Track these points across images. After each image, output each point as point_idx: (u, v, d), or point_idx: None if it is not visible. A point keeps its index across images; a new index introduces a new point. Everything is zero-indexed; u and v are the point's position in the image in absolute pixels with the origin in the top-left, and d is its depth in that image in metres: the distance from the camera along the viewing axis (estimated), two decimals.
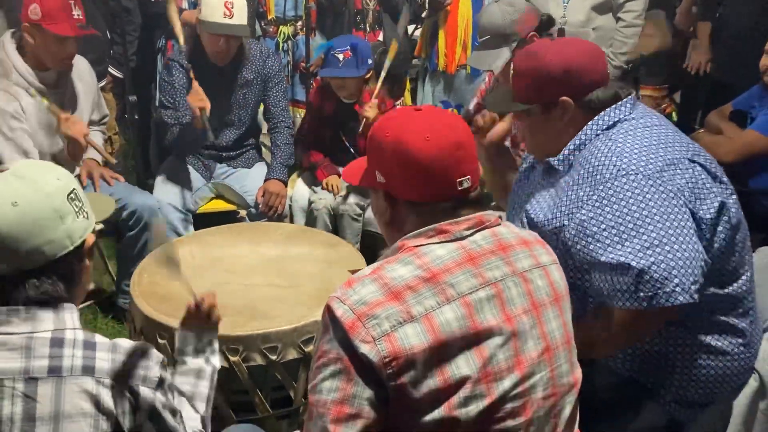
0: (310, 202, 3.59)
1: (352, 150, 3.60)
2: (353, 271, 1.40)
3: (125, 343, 1.41)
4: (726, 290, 1.82)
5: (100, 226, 1.96)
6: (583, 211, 1.74)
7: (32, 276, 1.35)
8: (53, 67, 2.99)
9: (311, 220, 3.57)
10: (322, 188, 3.58)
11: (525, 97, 1.91)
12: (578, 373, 1.48)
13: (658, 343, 1.85)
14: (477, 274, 1.35)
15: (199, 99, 3.26)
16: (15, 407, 1.31)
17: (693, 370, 1.85)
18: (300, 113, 4.22)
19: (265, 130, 3.88)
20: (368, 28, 4.17)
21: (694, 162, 1.77)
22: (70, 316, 1.39)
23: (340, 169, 3.64)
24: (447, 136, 1.37)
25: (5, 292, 1.34)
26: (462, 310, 1.31)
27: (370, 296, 1.29)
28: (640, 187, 1.69)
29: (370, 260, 2.62)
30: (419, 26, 4.63)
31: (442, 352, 1.28)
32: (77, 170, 3.22)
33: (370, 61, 3.47)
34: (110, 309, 3.50)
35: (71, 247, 1.38)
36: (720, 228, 1.75)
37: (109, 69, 4.06)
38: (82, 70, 3.22)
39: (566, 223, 1.79)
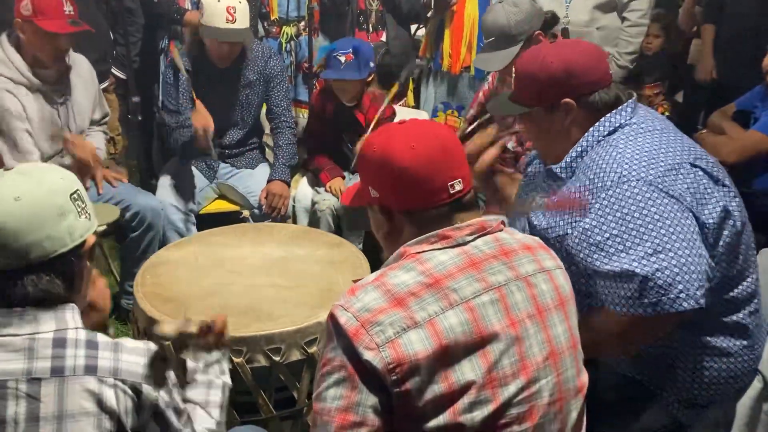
0: (314, 203, 3.59)
1: (352, 152, 3.60)
2: (356, 280, 1.40)
3: (128, 343, 1.42)
4: (731, 292, 1.82)
5: (102, 228, 1.98)
6: (587, 220, 1.74)
7: (31, 272, 1.35)
8: (48, 63, 2.99)
9: (314, 220, 3.57)
10: (326, 191, 3.59)
11: (527, 100, 1.91)
12: (584, 377, 1.48)
13: (661, 344, 1.85)
14: (480, 278, 1.35)
15: (202, 118, 3.27)
16: (19, 408, 1.31)
17: (696, 371, 1.85)
18: (303, 113, 4.22)
19: (267, 130, 3.88)
20: (371, 29, 4.16)
21: (695, 166, 1.76)
22: (72, 315, 1.39)
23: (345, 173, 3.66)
24: (431, 143, 1.39)
25: (3, 288, 1.35)
26: (465, 315, 1.31)
27: (374, 303, 1.30)
28: (642, 193, 1.69)
29: (372, 261, 2.64)
30: (421, 26, 4.63)
31: (447, 357, 1.28)
32: None
33: (372, 64, 3.47)
34: (114, 310, 3.50)
35: (71, 245, 1.38)
36: (724, 231, 1.75)
37: (112, 70, 4.07)
38: (81, 68, 3.22)
39: (569, 231, 1.79)
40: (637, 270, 1.64)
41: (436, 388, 1.27)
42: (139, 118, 4.02)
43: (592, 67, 1.85)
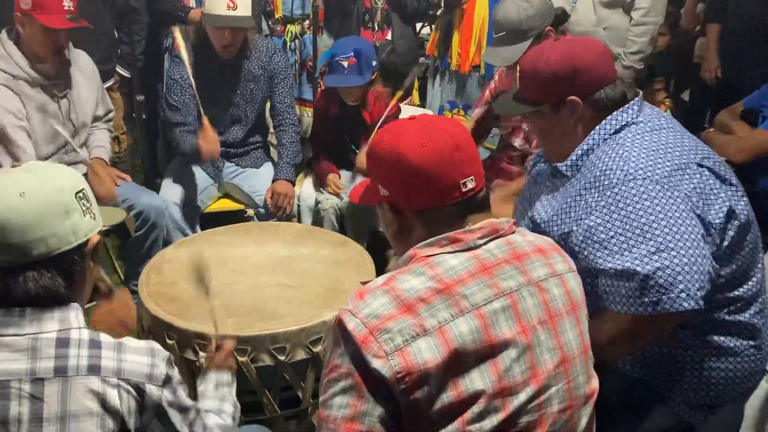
0: (317, 202, 3.59)
1: (357, 151, 3.59)
2: (364, 282, 1.38)
3: (131, 342, 1.42)
4: (737, 291, 1.80)
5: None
6: (592, 218, 1.73)
7: (32, 269, 1.34)
8: (46, 58, 2.99)
9: (317, 220, 3.57)
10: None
11: (533, 99, 1.90)
12: (595, 383, 1.46)
13: (667, 345, 1.84)
14: (491, 284, 1.32)
15: (211, 144, 3.27)
16: (22, 408, 1.31)
17: (703, 372, 1.83)
18: (307, 112, 4.22)
19: (272, 128, 3.87)
20: (376, 27, 4.16)
21: (702, 166, 1.75)
22: (75, 315, 1.39)
23: (343, 172, 3.66)
24: (443, 140, 1.36)
25: (4, 283, 1.34)
26: (476, 322, 1.28)
27: (382, 309, 1.27)
28: (648, 191, 1.68)
29: (377, 260, 2.64)
30: (426, 24, 4.62)
31: (456, 366, 1.25)
32: (84, 169, 3.22)
33: (374, 63, 3.45)
34: None
35: (75, 243, 1.38)
36: (729, 232, 1.74)
37: (117, 68, 4.06)
38: (83, 64, 3.21)
39: (574, 228, 1.77)
40: (639, 269, 1.63)
41: (445, 398, 1.25)
42: (144, 117, 4.02)
43: (596, 64, 1.83)
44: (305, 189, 3.68)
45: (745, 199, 1.80)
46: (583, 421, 1.42)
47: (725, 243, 1.74)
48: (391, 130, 1.42)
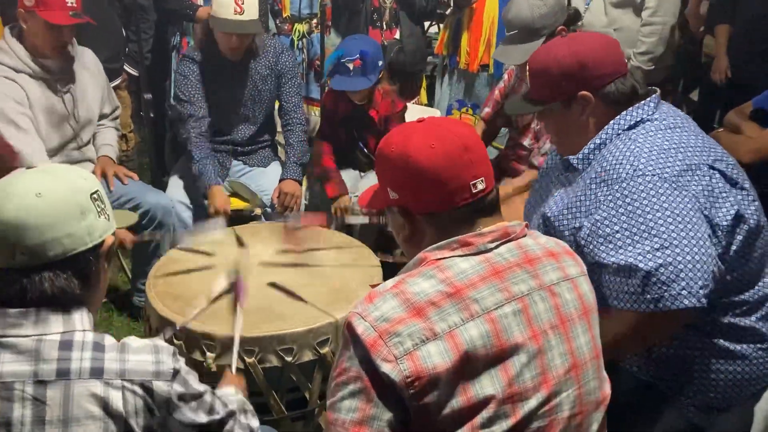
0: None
1: (365, 150, 3.58)
2: (374, 285, 1.37)
3: (134, 342, 1.41)
4: (746, 294, 1.80)
5: None
6: (599, 212, 1.73)
7: (48, 269, 1.34)
8: (49, 54, 2.99)
9: None
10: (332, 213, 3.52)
11: (543, 97, 1.90)
12: (607, 388, 1.45)
13: (676, 346, 1.83)
14: (502, 288, 1.31)
15: (221, 201, 3.27)
16: (25, 410, 1.31)
17: (711, 375, 1.83)
18: (314, 111, 4.21)
19: (279, 128, 3.87)
20: (384, 26, 4.14)
21: (713, 168, 1.75)
22: (80, 317, 1.38)
23: (349, 171, 3.64)
24: (452, 141, 1.35)
25: (21, 285, 1.34)
26: (487, 326, 1.27)
27: (392, 312, 1.26)
28: (656, 188, 1.68)
29: (383, 260, 2.63)
30: (433, 23, 4.60)
31: (466, 370, 1.25)
32: (92, 167, 3.23)
33: (381, 63, 3.44)
34: (126, 307, 3.51)
35: (90, 244, 1.38)
36: (738, 236, 1.73)
37: (125, 66, 4.06)
38: (87, 60, 3.22)
39: (585, 223, 1.77)
40: (641, 265, 1.63)
41: (455, 403, 1.24)
42: (152, 115, 4.02)
43: (604, 58, 1.83)
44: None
45: (756, 203, 1.79)
46: (594, 427, 1.41)
47: (733, 247, 1.73)
48: (399, 133, 1.41)
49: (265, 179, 3.58)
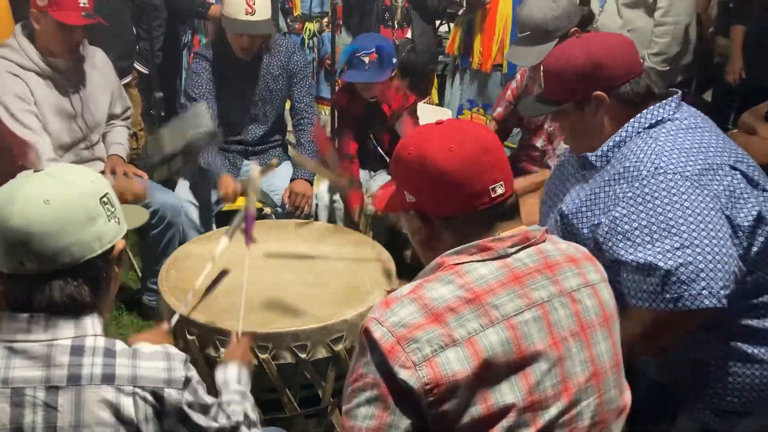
0: (333, 201, 3.58)
1: (379, 148, 3.57)
2: (390, 291, 1.34)
3: (146, 348, 1.39)
4: (765, 296, 1.78)
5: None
6: (618, 208, 1.71)
7: (58, 277, 1.32)
8: (60, 54, 2.99)
9: (331, 218, 3.56)
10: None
11: (558, 97, 1.89)
12: (627, 396, 1.43)
13: (693, 350, 1.81)
14: (522, 294, 1.29)
15: (233, 186, 3.23)
16: (36, 416, 1.29)
17: (729, 378, 1.81)
18: (324, 110, 4.20)
19: (290, 127, 3.86)
20: (396, 25, 4.13)
21: (735, 169, 1.73)
22: (92, 322, 1.36)
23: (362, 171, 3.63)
24: (472, 144, 1.32)
25: (30, 292, 1.32)
26: (507, 333, 1.25)
27: (410, 318, 1.24)
28: (677, 187, 1.66)
29: (396, 259, 2.62)
30: (443, 22, 4.60)
31: (486, 378, 1.22)
32: (101, 166, 3.22)
33: (394, 60, 3.43)
34: (135, 306, 3.50)
35: (100, 251, 1.35)
36: (759, 237, 1.71)
37: (135, 64, 4.06)
38: (97, 60, 3.20)
39: (603, 220, 1.76)
40: (661, 263, 1.61)
41: (474, 411, 1.22)
42: (162, 114, 4.01)
43: (619, 58, 1.81)
44: (323, 187, 3.66)
45: None
46: None
47: (754, 248, 1.72)
48: (416, 135, 1.39)
49: (276, 179, 3.56)
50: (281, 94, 3.59)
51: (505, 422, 1.22)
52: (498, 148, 1.37)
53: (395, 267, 2.57)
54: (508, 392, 1.23)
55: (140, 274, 3.54)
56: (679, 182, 1.67)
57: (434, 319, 1.23)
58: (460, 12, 4.03)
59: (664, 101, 1.81)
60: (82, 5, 2.88)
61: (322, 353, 2.20)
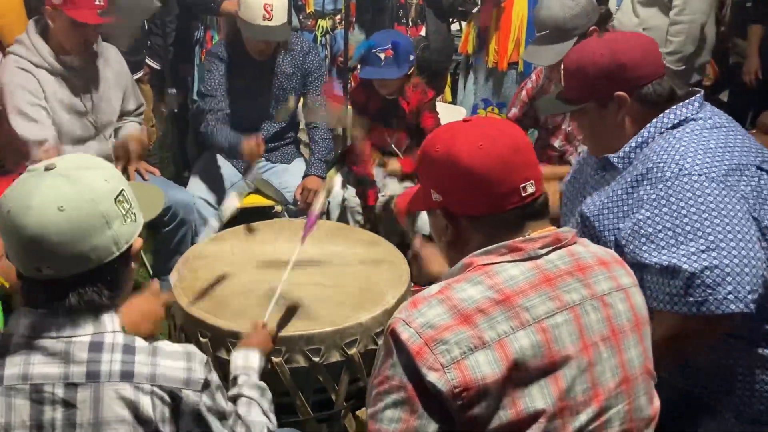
0: (344, 200, 3.56)
1: (394, 147, 3.53)
2: (415, 291, 1.32)
3: (166, 347, 1.37)
4: None
5: None
6: (642, 211, 1.69)
7: (77, 283, 1.31)
8: (74, 52, 2.97)
9: (343, 218, 3.54)
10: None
11: (578, 96, 1.86)
12: (657, 404, 1.40)
13: (717, 355, 1.78)
14: (554, 297, 1.26)
15: (256, 145, 3.18)
16: (56, 413, 1.29)
17: (755, 385, 1.77)
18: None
19: (302, 125, 3.84)
20: (410, 23, 4.11)
21: (761, 169, 1.70)
22: (110, 319, 1.35)
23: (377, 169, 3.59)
24: (502, 142, 1.30)
25: (49, 298, 1.31)
26: (538, 336, 1.22)
27: (438, 319, 1.21)
28: (702, 188, 1.63)
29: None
30: (454, 20, 4.56)
31: (516, 382, 1.20)
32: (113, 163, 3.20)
33: (411, 57, 3.39)
34: None
35: (117, 253, 1.34)
36: None
37: (147, 60, 4.04)
38: (110, 57, 3.18)
39: (626, 222, 1.73)
40: (685, 266, 1.58)
41: (503, 416, 1.19)
42: (175, 110, 3.99)
43: (642, 59, 1.79)
44: (336, 186, 3.63)
45: None
46: None
47: None
48: (444, 132, 1.36)
49: (288, 176, 3.55)
50: (295, 93, 3.56)
51: (535, 428, 1.20)
52: (528, 146, 1.34)
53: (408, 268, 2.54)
54: (539, 397, 1.20)
55: (151, 272, 3.52)
56: (704, 184, 1.63)
57: (463, 321, 1.21)
58: (474, 10, 4.00)
59: (687, 101, 1.79)
60: (97, 3, 2.86)
61: (335, 357, 2.18)
